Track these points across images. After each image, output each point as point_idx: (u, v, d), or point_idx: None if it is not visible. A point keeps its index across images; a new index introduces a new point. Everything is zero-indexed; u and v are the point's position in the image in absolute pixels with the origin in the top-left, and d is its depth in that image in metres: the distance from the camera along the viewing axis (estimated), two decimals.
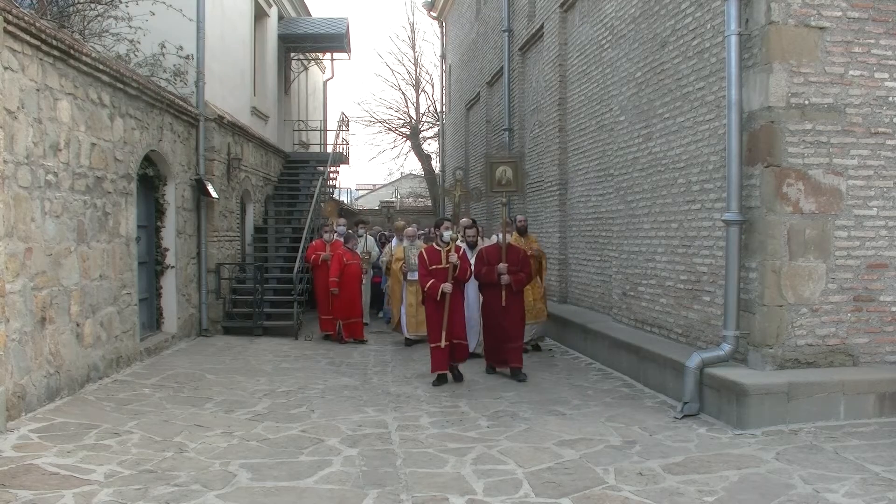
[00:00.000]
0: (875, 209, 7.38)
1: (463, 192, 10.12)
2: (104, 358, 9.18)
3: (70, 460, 6.01)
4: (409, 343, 12.71)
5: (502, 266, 9.56)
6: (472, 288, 10.65)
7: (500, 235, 9.99)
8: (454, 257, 9.27)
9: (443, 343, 9.18)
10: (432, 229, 12.92)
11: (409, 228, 13.78)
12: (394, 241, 14.73)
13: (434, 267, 9.36)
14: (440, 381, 9.30)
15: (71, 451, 6.22)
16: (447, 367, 9.40)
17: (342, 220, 14.75)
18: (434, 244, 9.70)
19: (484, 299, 10.07)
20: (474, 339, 10.93)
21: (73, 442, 6.50)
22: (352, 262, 13.35)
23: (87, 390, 8.49)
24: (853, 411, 6.94)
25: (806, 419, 6.85)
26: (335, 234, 14.13)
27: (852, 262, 7.37)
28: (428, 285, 9.28)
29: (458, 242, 10.09)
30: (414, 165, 42.34)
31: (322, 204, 16.60)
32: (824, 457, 6.02)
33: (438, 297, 9.22)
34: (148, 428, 7.05)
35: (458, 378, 9.46)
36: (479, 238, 11.12)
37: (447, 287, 9.18)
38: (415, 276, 11.67)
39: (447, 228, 9.67)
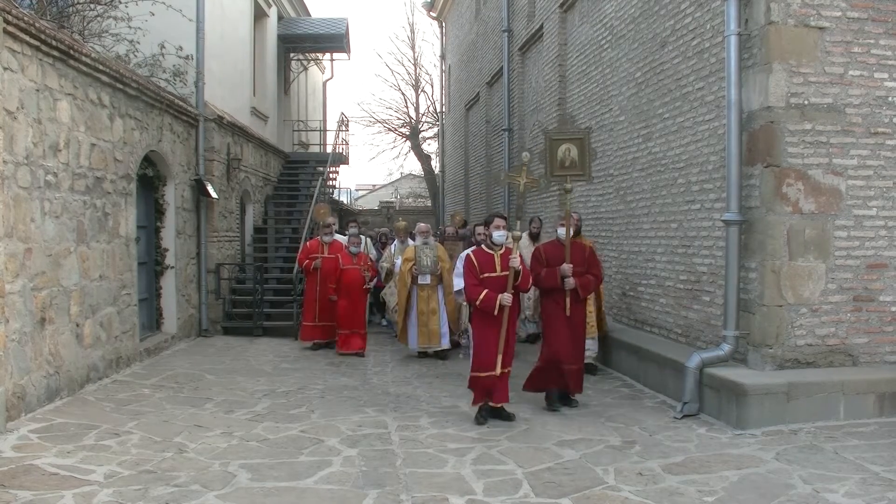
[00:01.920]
0: (875, 209, 7.39)
1: (529, 179, 7.86)
2: (104, 358, 9.17)
3: (70, 461, 6.01)
4: (420, 357, 11.34)
5: (567, 267, 7.92)
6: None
7: (562, 230, 8.19)
8: (516, 261, 7.38)
9: (498, 370, 7.40)
10: (474, 228, 11.85)
11: (422, 224, 12.00)
12: (394, 243, 13.15)
13: (486, 275, 7.50)
14: (485, 417, 7.50)
15: (71, 452, 6.22)
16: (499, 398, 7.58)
17: (330, 220, 13.12)
18: (483, 246, 7.81)
19: (543, 308, 8.37)
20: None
21: (73, 442, 6.49)
22: (351, 266, 11.72)
23: (86, 391, 8.49)
24: (853, 411, 6.94)
25: (806, 419, 6.85)
26: (328, 235, 12.68)
27: (852, 262, 7.37)
28: (481, 297, 7.37)
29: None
30: (414, 166, 42.40)
31: (316, 206, 15.11)
32: (824, 457, 6.02)
33: (496, 311, 7.39)
34: (148, 428, 7.05)
35: (509, 417, 7.56)
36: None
37: (506, 299, 7.32)
38: (426, 279, 11.16)
39: (500, 227, 7.66)
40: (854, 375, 7.12)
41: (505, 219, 7.90)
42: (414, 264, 11.22)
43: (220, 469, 5.92)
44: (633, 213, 10.15)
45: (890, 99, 7.38)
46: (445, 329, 11.29)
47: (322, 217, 13.03)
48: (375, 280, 12.49)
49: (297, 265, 13.41)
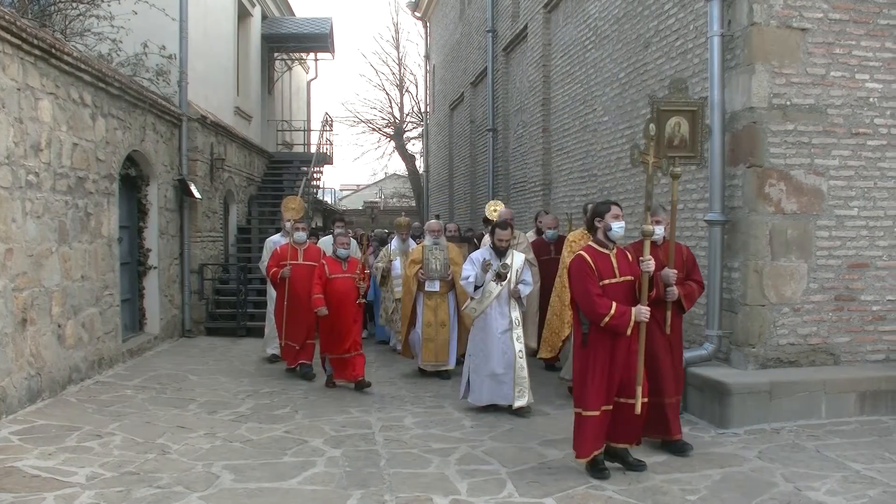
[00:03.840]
0: (856, 209, 7.44)
1: (656, 158, 6.08)
2: (86, 359, 9.12)
3: (51, 462, 5.96)
4: (425, 374, 9.71)
5: (670, 273, 6.12)
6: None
7: (659, 228, 6.39)
8: (650, 263, 5.69)
9: (638, 406, 5.65)
10: (536, 218, 10.06)
11: (433, 221, 10.33)
12: (393, 241, 11.49)
13: (607, 281, 5.72)
14: (602, 471, 5.72)
15: (52, 454, 6.18)
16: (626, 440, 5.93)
17: (290, 219, 10.55)
18: (593, 244, 5.93)
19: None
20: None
21: (55, 444, 6.45)
22: (341, 275, 9.07)
23: (68, 392, 8.43)
24: (834, 410, 6.99)
25: (788, 418, 6.89)
26: (303, 236, 10.13)
27: (833, 261, 7.42)
28: (612, 312, 5.54)
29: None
30: (398, 166, 42.40)
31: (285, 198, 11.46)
32: (806, 455, 6.06)
33: (629, 331, 5.63)
34: (130, 429, 7.01)
35: (640, 466, 5.84)
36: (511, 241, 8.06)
37: (643, 313, 5.61)
38: (434, 286, 9.45)
39: (617, 217, 5.85)
40: (835, 374, 7.17)
41: (619, 206, 6.04)
42: (421, 268, 9.47)
43: (204, 470, 5.90)
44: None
45: (871, 100, 7.44)
46: (455, 345, 9.61)
47: (292, 212, 10.46)
48: (369, 292, 10.18)
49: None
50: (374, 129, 37.08)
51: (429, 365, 9.56)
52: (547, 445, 6.54)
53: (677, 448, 6.18)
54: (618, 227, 5.82)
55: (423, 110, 32.35)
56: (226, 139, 15.55)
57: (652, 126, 6.45)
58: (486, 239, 9.25)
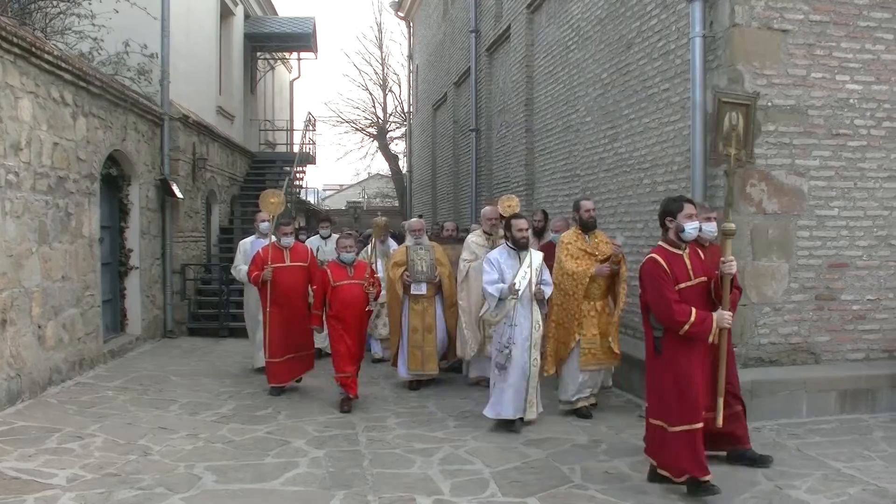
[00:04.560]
0: (836, 209, 7.50)
1: (738, 150, 5.70)
2: (67, 360, 9.05)
3: (32, 464, 5.92)
4: (414, 387, 8.91)
5: (732, 263, 5.40)
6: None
7: (710, 226, 5.83)
8: (733, 265, 5.33)
9: (720, 419, 5.40)
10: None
11: (415, 220, 9.60)
12: (370, 244, 10.65)
13: (683, 285, 5.32)
14: (705, 487, 5.23)
15: (32, 456, 6.13)
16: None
17: (263, 216, 9.84)
18: (664, 245, 5.50)
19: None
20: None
21: (35, 446, 6.40)
22: (347, 281, 8.11)
23: (49, 393, 8.37)
24: (815, 409, 7.04)
25: (769, 417, 6.94)
26: (290, 241, 8.93)
27: (814, 261, 7.48)
28: (692, 319, 5.14)
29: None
30: (381, 166, 42.34)
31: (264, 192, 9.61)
32: (787, 454, 6.10)
33: (712, 339, 5.25)
34: (111, 431, 6.96)
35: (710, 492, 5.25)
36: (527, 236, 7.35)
37: (726, 319, 5.27)
38: (421, 288, 8.81)
39: (691, 217, 5.46)
40: (816, 373, 7.23)
41: (693, 205, 5.60)
42: (406, 270, 8.88)
43: (186, 471, 5.87)
44: (600, 213, 10.14)
45: (851, 101, 7.50)
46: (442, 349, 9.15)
47: (271, 207, 9.09)
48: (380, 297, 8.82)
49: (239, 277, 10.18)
50: (357, 129, 37.05)
51: (415, 374, 8.87)
52: (530, 445, 6.56)
53: (765, 459, 5.80)
54: (692, 227, 5.43)
55: (406, 110, 32.30)
56: (208, 139, 15.48)
57: (733, 115, 5.88)
58: (473, 237, 9.09)
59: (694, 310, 5.17)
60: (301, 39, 21.80)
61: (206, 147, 15.28)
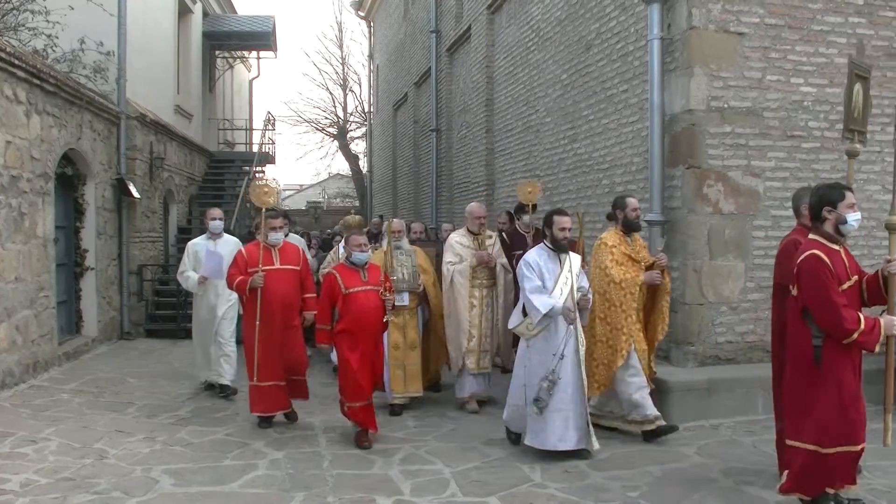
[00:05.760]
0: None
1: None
2: (20, 363, 8.88)
3: None
4: (396, 412, 7.63)
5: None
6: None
7: (853, 215, 4.66)
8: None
9: (888, 436, 4.69)
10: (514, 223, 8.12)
11: (396, 221, 8.04)
12: (341, 245, 9.02)
13: (846, 286, 4.57)
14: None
15: None
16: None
17: (214, 213, 9.04)
18: (819, 239, 4.63)
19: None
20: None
21: None
22: (362, 287, 6.59)
23: (1, 397, 8.20)
24: (771, 406, 7.09)
25: (726, 414, 7.03)
26: (279, 238, 7.34)
27: (770, 261, 7.50)
28: (860, 329, 4.42)
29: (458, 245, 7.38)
30: (341, 166, 42.07)
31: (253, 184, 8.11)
32: (744, 450, 6.19)
33: (878, 348, 4.53)
34: (66, 434, 6.85)
35: None
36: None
37: (895, 325, 4.52)
38: (403, 299, 7.47)
39: (852, 206, 4.64)
40: (771, 371, 7.31)
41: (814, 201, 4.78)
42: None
43: (143, 475, 5.79)
44: None
45: (805, 104, 7.62)
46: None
47: (263, 199, 7.22)
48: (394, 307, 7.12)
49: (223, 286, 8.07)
50: (317, 129, 36.81)
51: (398, 396, 7.68)
52: (490, 445, 6.57)
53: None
54: (854, 219, 4.63)
55: (366, 110, 32.25)
56: (165, 138, 15.30)
57: (857, 87, 5.26)
58: (456, 237, 8.02)
59: (862, 316, 4.46)
60: (261, 38, 21.66)
61: (164, 146, 15.10)
